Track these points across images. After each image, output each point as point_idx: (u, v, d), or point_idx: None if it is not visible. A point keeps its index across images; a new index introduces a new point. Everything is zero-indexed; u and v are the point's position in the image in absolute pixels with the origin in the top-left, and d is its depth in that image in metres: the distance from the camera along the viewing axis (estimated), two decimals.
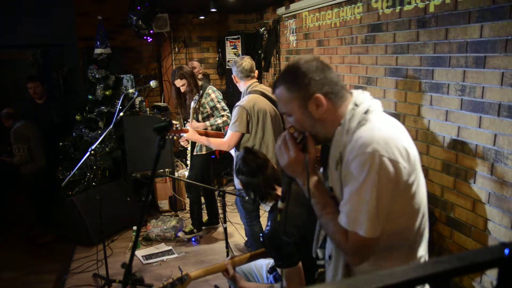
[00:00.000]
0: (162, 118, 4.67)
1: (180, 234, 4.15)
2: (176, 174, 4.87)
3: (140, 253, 3.86)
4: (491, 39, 2.11)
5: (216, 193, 3.10)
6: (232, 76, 3.29)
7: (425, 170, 2.67)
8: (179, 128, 3.10)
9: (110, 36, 5.10)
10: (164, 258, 3.79)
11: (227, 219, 2.83)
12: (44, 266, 3.81)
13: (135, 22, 4.90)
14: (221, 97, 3.96)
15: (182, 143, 3.91)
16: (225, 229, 2.77)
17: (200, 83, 3.95)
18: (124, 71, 5.25)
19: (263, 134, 3.12)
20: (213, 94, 3.90)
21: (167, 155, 4.36)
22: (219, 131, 3.79)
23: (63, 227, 4.22)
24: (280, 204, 1.36)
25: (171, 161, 4.54)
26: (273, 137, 3.13)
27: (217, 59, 6.26)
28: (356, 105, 1.26)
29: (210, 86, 3.99)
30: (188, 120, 3.71)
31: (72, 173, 3.20)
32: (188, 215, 4.47)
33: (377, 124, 1.21)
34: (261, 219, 3.50)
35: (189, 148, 4.06)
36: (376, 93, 3.21)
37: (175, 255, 3.84)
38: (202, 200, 4.30)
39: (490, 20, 2.11)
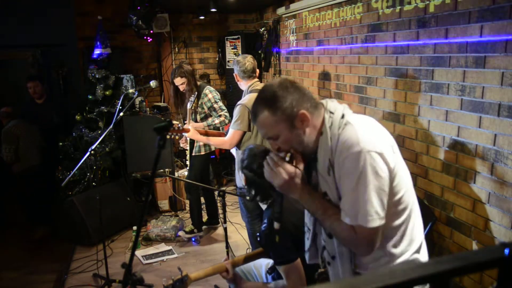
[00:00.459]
0: (162, 118, 4.68)
1: (181, 233, 4.15)
2: (176, 174, 4.87)
3: (140, 253, 3.86)
4: (491, 39, 2.11)
5: (216, 193, 3.09)
6: (234, 74, 3.29)
7: (425, 170, 2.67)
8: (181, 127, 3.10)
9: (110, 36, 5.10)
10: (164, 258, 3.79)
11: (227, 219, 2.83)
12: (44, 266, 3.80)
13: (135, 22, 4.90)
14: (218, 97, 3.95)
15: (181, 145, 3.91)
16: (225, 229, 2.76)
17: (199, 83, 3.95)
18: (124, 71, 5.26)
19: None
20: (210, 94, 3.89)
21: (167, 155, 4.36)
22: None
23: (63, 227, 4.22)
24: (276, 225, 1.43)
25: (171, 161, 4.54)
26: None
27: (217, 59, 6.25)
28: (331, 112, 1.36)
29: (207, 86, 3.98)
30: (186, 121, 3.70)
31: (72, 173, 3.20)
32: (188, 215, 4.47)
33: (357, 125, 1.31)
34: None
35: (188, 149, 4.06)
36: (376, 93, 3.22)
37: (175, 255, 3.84)
38: (202, 200, 4.30)
39: (490, 20, 2.11)
